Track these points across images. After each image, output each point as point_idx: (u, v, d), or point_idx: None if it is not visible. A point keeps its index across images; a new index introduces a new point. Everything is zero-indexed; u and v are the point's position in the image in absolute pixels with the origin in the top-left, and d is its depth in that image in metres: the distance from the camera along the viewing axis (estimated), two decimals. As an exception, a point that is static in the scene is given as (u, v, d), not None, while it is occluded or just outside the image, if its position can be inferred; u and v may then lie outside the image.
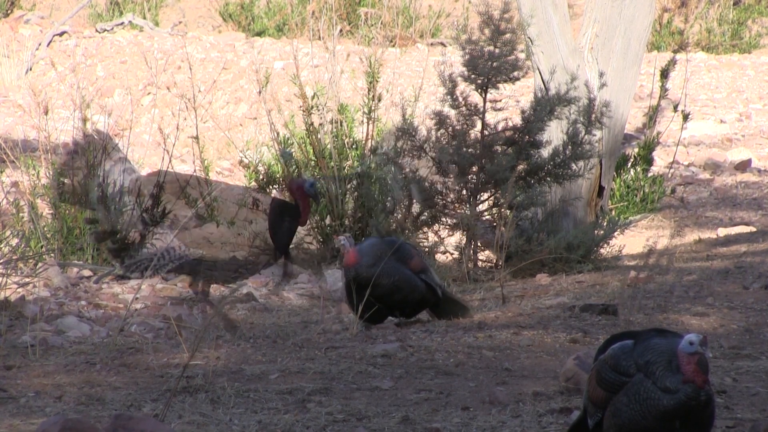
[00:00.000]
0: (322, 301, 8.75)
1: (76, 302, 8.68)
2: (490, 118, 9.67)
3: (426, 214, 9.70)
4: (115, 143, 7.02)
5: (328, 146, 11.00)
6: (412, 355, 6.54)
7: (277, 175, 11.19)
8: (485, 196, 9.68)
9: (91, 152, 6.90)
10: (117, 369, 6.33)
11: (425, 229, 9.75)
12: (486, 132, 9.63)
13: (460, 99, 9.61)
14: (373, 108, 10.95)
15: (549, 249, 9.44)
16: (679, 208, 12.87)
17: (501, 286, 8.09)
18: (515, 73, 9.56)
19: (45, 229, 9.76)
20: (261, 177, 11.18)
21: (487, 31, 9.55)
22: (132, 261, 6.85)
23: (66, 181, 6.86)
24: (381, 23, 18.35)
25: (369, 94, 10.99)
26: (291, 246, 11.08)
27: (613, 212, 11.52)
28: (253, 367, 6.31)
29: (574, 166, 9.66)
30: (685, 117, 11.81)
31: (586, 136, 9.69)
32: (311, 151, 11.01)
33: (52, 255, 9.64)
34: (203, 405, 5.62)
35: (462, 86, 9.64)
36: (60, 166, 6.95)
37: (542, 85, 10.26)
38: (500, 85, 9.60)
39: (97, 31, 18.22)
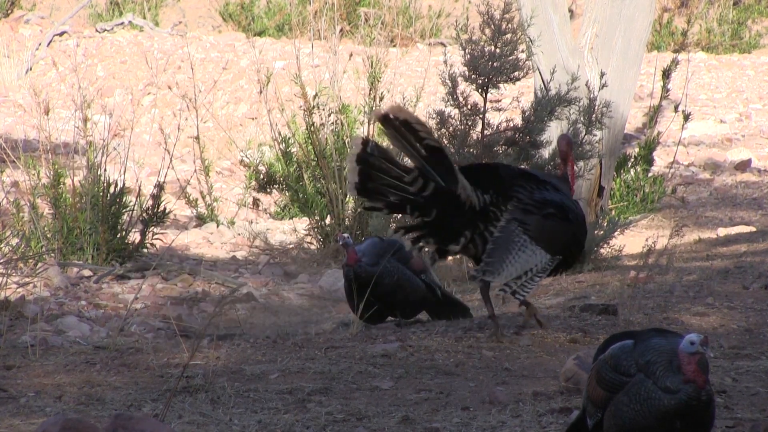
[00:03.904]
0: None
1: (76, 302, 8.68)
2: (491, 118, 9.66)
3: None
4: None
5: (329, 146, 11.00)
6: (412, 355, 6.53)
7: (278, 175, 11.20)
8: (486, 196, 9.66)
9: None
10: (117, 369, 6.32)
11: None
12: (487, 132, 9.62)
13: (461, 99, 9.60)
14: (374, 108, 10.95)
15: (549, 249, 9.43)
16: (679, 208, 12.86)
17: (501, 286, 8.08)
18: (516, 74, 9.54)
19: (45, 229, 9.75)
20: (261, 177, 11.18)
21: (488, 31, 9.54)
22: None
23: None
24: (381, 23, 18.36)
25: (370, 94, 10.99)
26: (291, 245, 11.09)
27: (613, 212, 11.51)
28: (253, 367, 6.30)
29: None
30: (686, 117, 11.80)
31: (587, 137, 9.68)
32: (312, 150, 11.01)
33: (52, 255, 9.63)
34: (203, 405, 5.62)
35: (463, 86, 9.62)
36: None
37: (543, 85, 10.25)
38: (501, 85, 9.59)
39: (97, 31, 18.22)
